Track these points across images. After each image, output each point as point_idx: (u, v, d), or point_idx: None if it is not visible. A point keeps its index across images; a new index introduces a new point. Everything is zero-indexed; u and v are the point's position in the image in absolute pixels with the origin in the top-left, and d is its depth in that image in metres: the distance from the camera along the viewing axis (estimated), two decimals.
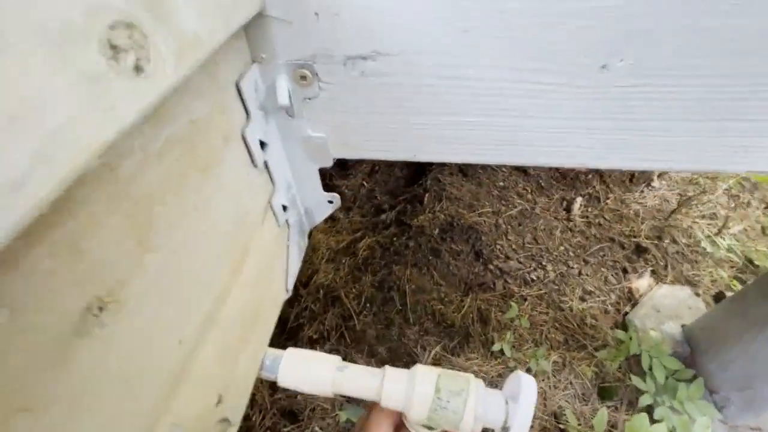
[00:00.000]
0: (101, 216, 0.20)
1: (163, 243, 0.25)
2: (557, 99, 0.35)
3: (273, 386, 1.19)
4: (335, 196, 0.49)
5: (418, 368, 0.43)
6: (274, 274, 0.44)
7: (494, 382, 1.15)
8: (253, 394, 1.18)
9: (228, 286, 0.34)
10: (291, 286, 0.49)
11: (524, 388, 0.39)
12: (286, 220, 0.46)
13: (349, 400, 1.15)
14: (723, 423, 1.04)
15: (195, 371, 0.30)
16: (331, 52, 0.34)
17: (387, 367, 0.44)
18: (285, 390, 1.19)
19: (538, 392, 1.13)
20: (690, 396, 1.03)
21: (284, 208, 0.44)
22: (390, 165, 2.23)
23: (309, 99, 0.38)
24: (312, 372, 0.42)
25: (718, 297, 1.37)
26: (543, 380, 1.16)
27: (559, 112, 0.37)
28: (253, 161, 0.37)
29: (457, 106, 0.37)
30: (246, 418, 1.14)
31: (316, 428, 1.09)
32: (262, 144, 0.37)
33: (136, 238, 0.23)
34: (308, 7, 0.31)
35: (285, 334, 1.33)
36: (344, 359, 0.43)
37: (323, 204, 0.49)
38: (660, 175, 1.93)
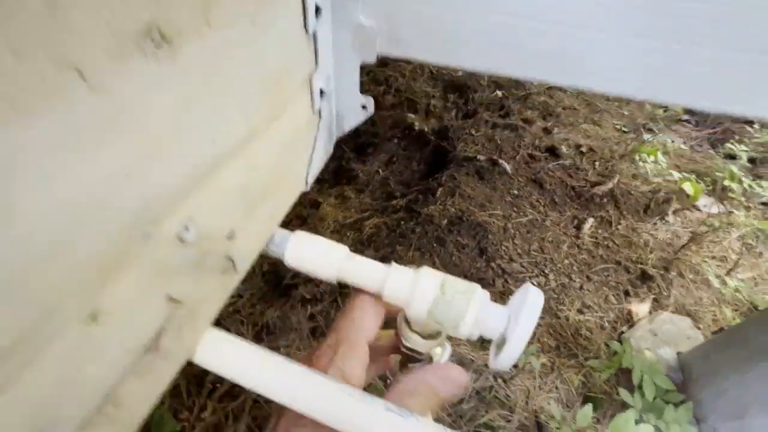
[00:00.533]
0: None
1: (222, 27, 0.26)
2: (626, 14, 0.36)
3: (257, 334, 1.18)
4: (369, 100, 0.49)
5: (426, 267, 0.43)
6: (299, 155, 0.44)
7: (479, 370, 1.13)
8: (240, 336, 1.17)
9: (262, 127, 0.34)
10: (310, 182, 0.49)
11: (529, 300, 0.39)
12: (320, 110, 0.46)
13: None
14: None
15: (220, 181, 0.30)
16: None
17: (393, 263, 0.44)
18: (270, 339, 1.18)
19: (523, 390, 1.11)
20: (677, 419, 1.01)
21: (321, 93, 0.44)
22: (408, 158, 2.24)
23: None
24: (320, 254, 0.42)
25: (719, 333, 1.34)
26: (529, 379, 1.14)
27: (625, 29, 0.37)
28: (306, 24, 0.37)
29: (515, 5, 0.38)
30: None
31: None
32: (317, 10, 0.38)
33: (202, 6, 0.24)
34: None
35: (279, 290, 1.33)
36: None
37: (356, 107, 0.50)
38: (675, 211, 1.92)
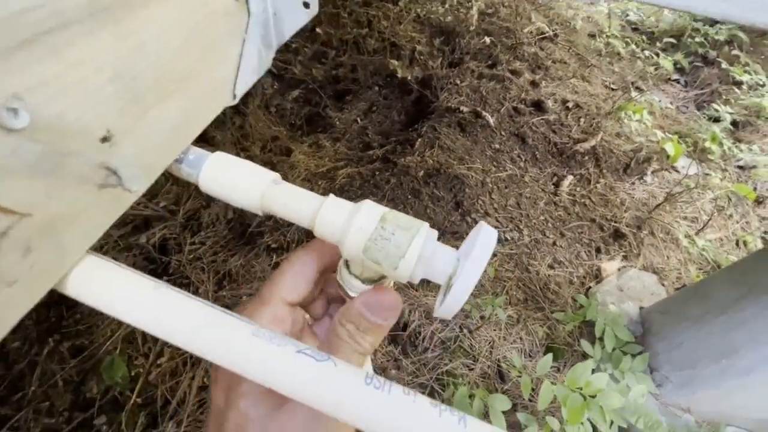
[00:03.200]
0: None
1: None
2: None
3: (219, 282, 1.14)
4: (314, 0, 0.41)
5: (368, 201, 0.36)
6: (218, 52, 0.36)
7: (446, 322, 1.12)
8: (197, 287, 1.12)
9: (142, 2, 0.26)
10: (239, 94, 0.41)
11: (481, 238, 0.33)
12: (247, 4, 0.37)
13: None
14: (656, 398, 1.05)
15: (72, 54, 0.22)
16: None
17: (331, 194, 0.38)
18: (228, 286, 1.14)
19: (488, 340, 1.11)
20: (632, 368, 1.03)
21: None
22: (389, 107, 2.12)
23: None
24: (242, 178, 0.35)
25: (681, 289, 1.37)
26: (495, 330, 1.14)
27: None
28: None
29: None
30: None
31: None
32: None
33: None
34: None
35: (243, 239, 1.27)
36: None
37: (296, 4, 0.41)
38: (654, 171, 1.90)
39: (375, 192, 1.49)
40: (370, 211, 0.34)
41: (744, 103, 2.23)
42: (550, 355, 0.83)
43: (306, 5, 0.41)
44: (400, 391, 0.27)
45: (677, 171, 1.95)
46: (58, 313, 1.02)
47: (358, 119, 2.04)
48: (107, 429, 0.88)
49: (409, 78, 2.23)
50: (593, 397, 0.76)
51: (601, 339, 1.08)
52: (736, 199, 1.87)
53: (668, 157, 1.94)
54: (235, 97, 0.41)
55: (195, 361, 0.98)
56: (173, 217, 1.27)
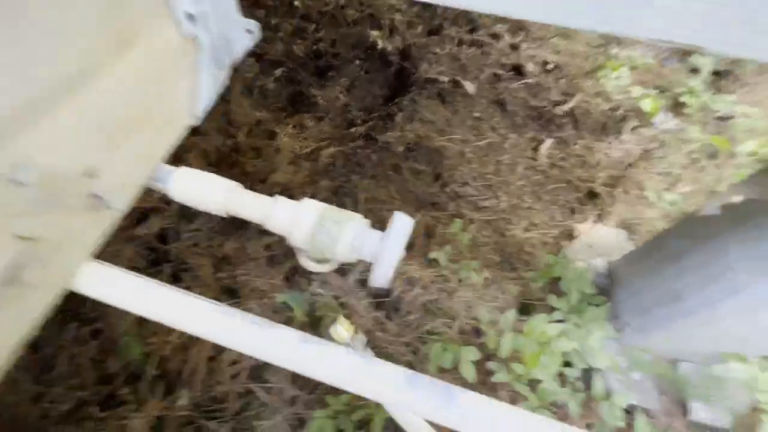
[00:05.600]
0: None
1: None
2: None
3: (216, 265, 1.24)
4: (254, 24, 0.47)
5: (307, 200, 0.45)
6: (173, 86, 0.43)
7: (426, 286, 1.23)
8: (196, 272, 1.23)
9: (107, 58, 0.33)
10: (201, 114, 0.48)
11: (395, 226, 0.42)
12: (196, 38, 0.44)
13: (290, 286, 1.21)
14: (616, 342, 1.17)
15: (61, 118, 0.30)
16: None
17: (279, 196, 0.46)
18: (226, 268, 1.24)
19: (465, 300, 1.22)
20: (594, 316, 1.14)
21: (190, 17, 0.42)
22: (370, 81, 2.14)
23: None
24: (205, 189, 0.43)
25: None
26: (472, 291, 1.25)
27: None
28: None
29: None
30: (187, 289, 1.19)
31: (253, 306, 1.16)
32: None
33: None
34: None
35: (236, 223, 1.36)
36: None
37: (240, 32, 0.47)
38: (633, 128, 1.94)
39: (358, 170, 1.56)
40: (309, 211, 0.42)
41: None
42: (513, 311, 0.94)
43: (249, 31, 0.47)
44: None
45: (654, 126, 1.99)
46: (75, 303, 1.13)
47: (341, 95, 2.07)
48: (132, 398, 1.01)
49: (389, 49, 2.23)
50: (547, 343, 0.87)
51: (568, 293, 1.19)
52: (713, 151, 1.92)
53: (646, 113, 1.97)
54: (198, 118, 0.48)
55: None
56: (169, 207, 1.36)
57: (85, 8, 0.30)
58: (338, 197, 1.46)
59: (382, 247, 0.41)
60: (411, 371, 0.37)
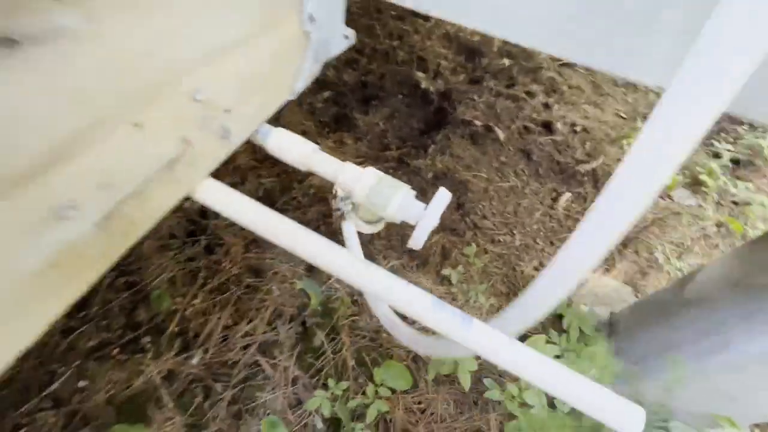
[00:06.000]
0: None
1: None
2: None
3: (247, 246, 1.35)
4: (351, 32, 0.61)
5: (370, 167, 0.56)
6: (287, 65, 0.56)
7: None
8: (228, 248, 1.34)
9: (256, 32, 0.46)
10: (297, 92, 0.62)
11: (436, 198, 0.53)
12: (309, 33, 0.58)
13: (310, 276, 1.30)
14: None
15: (221, 66, 0.43)
16: None
17: (347, 162, 0.57)
18: (255, 250, 1.35)
19: None
20: (591, 354, 1.19)
21: (311, 18, 0.56)
22: (409, 115, 2.32)
23: None
24: (295, 146, 0.55)
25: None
26: (477, 312, 1.31)
27: None
28: None
29: None
30: (217, 262, 1.30)
31: (273, 288, 1.25)
32: None
33: None
34: None
35: None
36: None
37: (340, 36, 0.61)
38: None
39: None
40: (371, 173, 0.54)
41: (745, 143, 2.34)
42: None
43: (346, 37, 0.61)
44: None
45: (671, 199, 2.08)
46: None
47: (380, 123, 2.25)
48: (150, 347, 1.09)
49: (431, 89, 2.43)
50: None
51: (568, 331, 1.24)
52: (726, 232, 1.99)
53: (665, 186, 2.07)
54: (295, 94, 0.61)
55: (223, 305, 1.19)
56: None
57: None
58: None
59: (423, 213, 0.52)
60: (438, 299, 0.46)
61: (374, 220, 0.59)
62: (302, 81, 0.61)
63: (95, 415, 0.97)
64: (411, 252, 1.46)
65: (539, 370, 0.42)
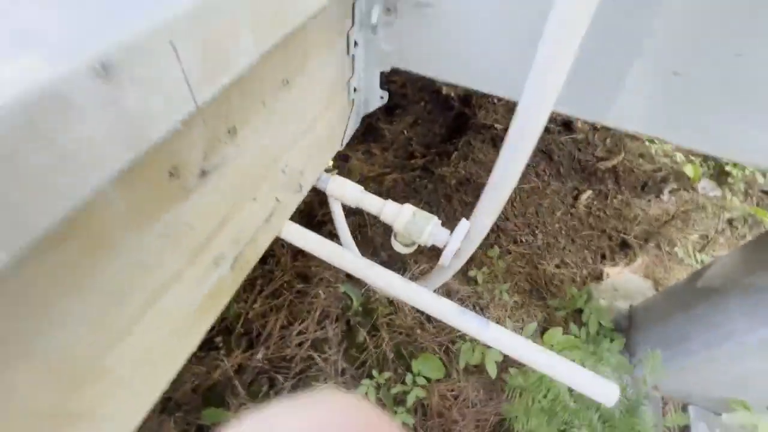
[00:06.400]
0: None
1: (304, 72, 0.54)
2: None
3: (294, 255, 1.54)
4: (385, 93, 0.76)
5: (407, 204, 0.72)
6: (339, 127, 0.72)
7: (462, 299, 1.45)
8: (279, 258, 1.53)
9: (320, 117, 0.63)
10: (344, 144, 0.78)
11: (458, 228, 0.67)
12: (353, 100, 0.73)
13: (351, 280, 1.48)
14: (630, 377, 1.31)
15: (301, 144, 0.59)
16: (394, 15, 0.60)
17: (389, 200, 0.73)
18: (303, 260, 1.53)
19: (495, 316, 1.42)
20: (610, 348, 1.30)
21: (354, 90, 0.71)
22: (432, 121, 2.44)
23: (388, 23, 0.64)
24: (348, 190, 0.72)
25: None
26: (502, 310, 1.45)
27: None
28: (348, 51, 0.64)
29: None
30: (270, 272, 1.50)
31: (320, 292, 1.44)
32: (356, 43, 0.64)
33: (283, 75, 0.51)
34: None
35: (311, 225, 1.66)
36: None
37: (377, 98, 0.76)
38: (672, 191, 2.08)
39: (414, 195, 1.83)
40: (407, 209, 0.69)
41: None
42: (534, 323, 1.13)
43: (381, 97, 0.77)
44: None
45: (696, 191, 2.11)
46: None
47: (405, 131, 2.39)
48: (222, 345, 1.30)
49: (451, 95, 2.54)
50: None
51: (587, 324, 1.35)
52: (753, 222, 2.00)
53: (689, 178, 2.10)
54: (342, 144, 0.78)
55: (278, 308, 1.39)
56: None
57: (326, 85, 0.60)
58: None
59: (449, 238, 0.67)
60: (463, 307, 0.61)
61: (410, 244, 0.74)
62: (349, 134, 0.77)
63: (185, 401, 1.19)
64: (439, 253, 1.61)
65: (539, 357, 0.57)
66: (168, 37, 0.27)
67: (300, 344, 1.33)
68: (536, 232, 1.81)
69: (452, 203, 1.82)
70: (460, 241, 0.67)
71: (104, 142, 0.25)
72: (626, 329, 1.43)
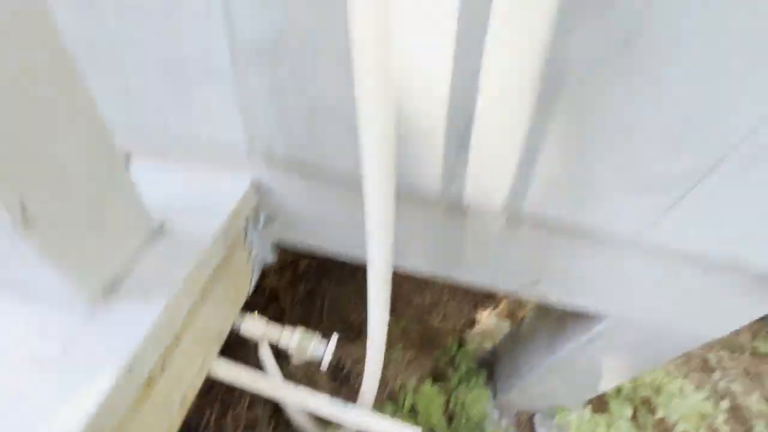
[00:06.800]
0: None
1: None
2: None
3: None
4: (273, 255, 1.15)
5: (299, 328, 1.10)
6: (245, 284, 1.10)
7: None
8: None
9: (226, 265, 1.00)
10: (250, 293, 1.15)
11: (330, 343, 1.07)
12: (252, 263, 1.11)
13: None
14: (494, 400, 1.77)
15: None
16: (274, 218, 1.01)
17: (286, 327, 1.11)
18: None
19: (393, 373, 1.82)
20: (476, 383, 1.76)
21: (252, 253, 1.10)
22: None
23: (268, 225, 1.04)
24: (250, 325, 1.08)
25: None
26: (399, 366, 1.85)
27: None
28: (250, 256, 1.03)
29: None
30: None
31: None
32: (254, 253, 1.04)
33: None
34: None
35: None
36: None
37: (268, 258, 1.16)
38: None
39: (327, 276, 2.22)
40: (296, 333, 1.07)
41: None
42: (429, 381, 1.54)
43: (270, 257, 1.16)
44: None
45: None
46: None
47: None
48: None
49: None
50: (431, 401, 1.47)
51: (458, 367, 1.81)
52: None
53: None
54: (248, 294, 1.14)
55: (212, 401, 1.63)
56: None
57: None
58: (311, 298, 2.09)
59: (324, 352, 1.06)
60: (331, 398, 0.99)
61: (303, 357, 1.11)
62: (252, 286, 1.14)
63: None
64: (351, 325, 1.99)
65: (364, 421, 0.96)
66: None
67: (235, 429, 1.59)
68: (425, 292, 2.28)
69: (357, 278, 2.24)
70: (331, 353, 1.05)
71: None
72: (492, 364, 1.92)
